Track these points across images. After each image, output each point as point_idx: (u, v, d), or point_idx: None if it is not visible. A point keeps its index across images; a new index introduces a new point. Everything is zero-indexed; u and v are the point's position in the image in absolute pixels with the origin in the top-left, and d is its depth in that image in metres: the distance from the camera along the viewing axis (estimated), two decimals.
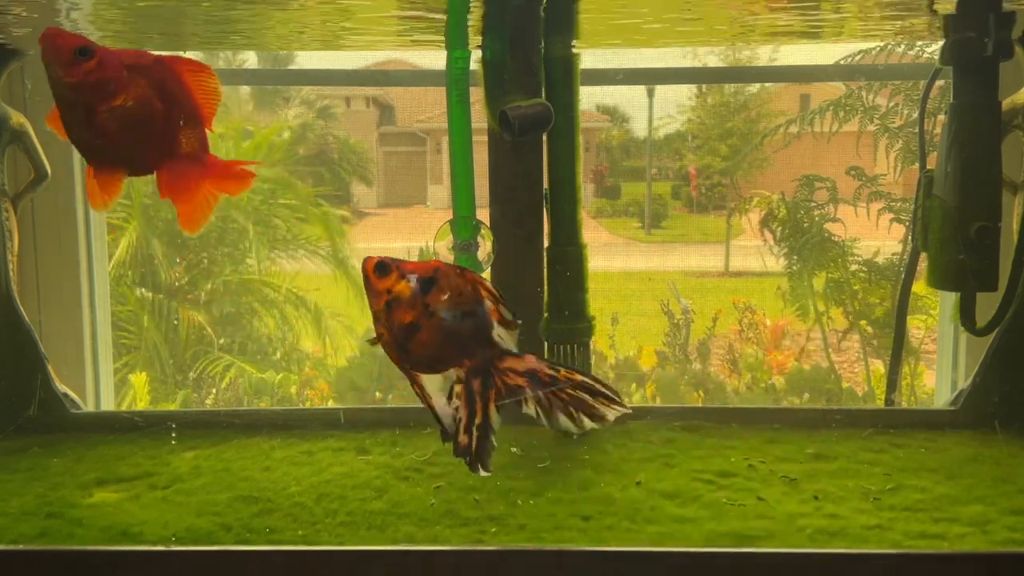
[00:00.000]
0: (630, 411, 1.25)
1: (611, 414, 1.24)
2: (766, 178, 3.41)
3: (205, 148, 1.33)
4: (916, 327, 3.09)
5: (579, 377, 1.23)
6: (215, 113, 1.31)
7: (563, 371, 1.23)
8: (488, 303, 1.22)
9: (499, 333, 1.23)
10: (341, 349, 3.57)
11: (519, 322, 1.22)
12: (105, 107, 1.23)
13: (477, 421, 1.20)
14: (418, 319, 1.19)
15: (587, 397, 1.24)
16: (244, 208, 3.37)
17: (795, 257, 3.07)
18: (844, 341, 3.17)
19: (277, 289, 3.55)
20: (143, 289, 3.30)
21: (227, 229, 3.39)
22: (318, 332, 3.57)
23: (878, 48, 2.67)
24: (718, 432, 1.76)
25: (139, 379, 3.09)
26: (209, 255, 3.45)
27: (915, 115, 1.93)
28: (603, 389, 1.24)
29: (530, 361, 1.22)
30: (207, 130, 1.32)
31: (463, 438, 1.21)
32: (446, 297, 1.20)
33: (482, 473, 1.20)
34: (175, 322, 3.31)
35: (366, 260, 1.21)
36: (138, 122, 1.26)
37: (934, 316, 2.99)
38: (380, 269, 1.19)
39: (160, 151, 1.30)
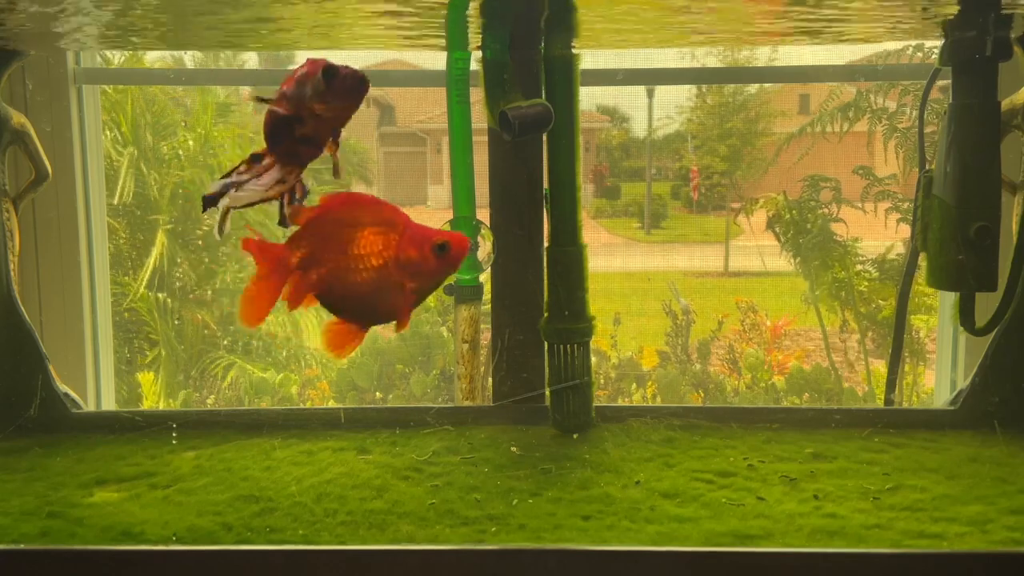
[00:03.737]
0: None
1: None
2: (767, 178, 3.41)
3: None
4: (918, 327, 3.08)
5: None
6: None
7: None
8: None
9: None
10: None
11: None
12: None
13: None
14: None
15: None
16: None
17: (799, 258, 3.07)
18: (848, 340, 3.16)
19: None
20: (163, 294, 3.30)
21: (233, 229, 3.39)
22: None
23: (896, 50, 2.67)
24: (718, 432, 1.77)
25: (146, 378, 3.09)
26: (211, 255, 3.45)
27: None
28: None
29: None
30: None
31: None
32: None
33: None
34: (176, 321, 3.31)
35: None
36: None
37: (936, 316, 2.98)
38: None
39: None
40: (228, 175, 1.39)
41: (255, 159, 1.40)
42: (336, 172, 1.42)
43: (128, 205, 3.20)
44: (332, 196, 1.38)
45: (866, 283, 3.06)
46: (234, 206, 1.37)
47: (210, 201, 1.36)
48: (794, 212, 3.05)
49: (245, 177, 1.38)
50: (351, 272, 1.34)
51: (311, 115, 1.34)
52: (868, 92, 3.00)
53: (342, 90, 1.32)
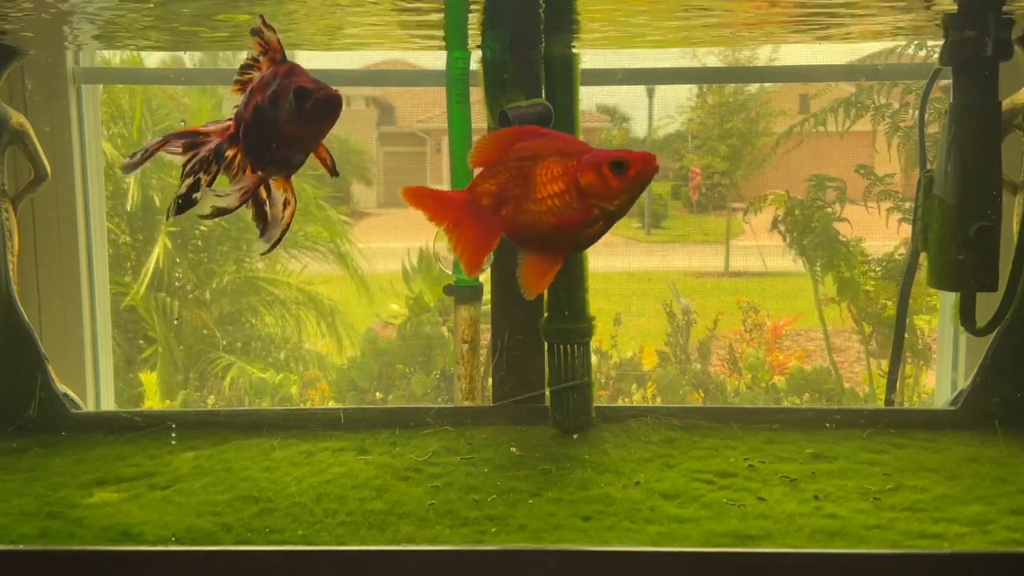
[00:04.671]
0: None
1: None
2: (768, 178, 3.41)
3: None
4: (921, 327, 3.08)
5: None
6: None
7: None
8: None
9: None
10: (344, 348, 3.56)
11: None
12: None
13: None
14: None
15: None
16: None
17: (803, 257, 3.06)
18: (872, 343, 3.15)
19: (287, 287, 3.54)
20: (162, 294, 3.30)
21: (231, 228, 3.39)
22: (327, 327, 3.56)
23: (896, 49, 2.67)
24: (718, 432, 1.76)
25: (149, 378, 3.09)
26: (210, 255, 3.45)
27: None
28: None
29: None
30: None
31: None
32: None
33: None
34: (175, 321, 3.31)
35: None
36: None
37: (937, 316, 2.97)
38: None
39: None
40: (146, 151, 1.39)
41: (183, 136, 1.39)
42: (332, 172, 1.42)
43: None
44: (508, 132, 1.36)
45: (872, 283, 3.05)
46: (207, 215, 1.40)
47: (185, 204, 1.37)
48: (798, 212, 3.04)
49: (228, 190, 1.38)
50: (538, 203, 1.33)
51: (283, 132, 1.32)
52: (867, 91, 3.00)
53: (314, 115, 1.30)
